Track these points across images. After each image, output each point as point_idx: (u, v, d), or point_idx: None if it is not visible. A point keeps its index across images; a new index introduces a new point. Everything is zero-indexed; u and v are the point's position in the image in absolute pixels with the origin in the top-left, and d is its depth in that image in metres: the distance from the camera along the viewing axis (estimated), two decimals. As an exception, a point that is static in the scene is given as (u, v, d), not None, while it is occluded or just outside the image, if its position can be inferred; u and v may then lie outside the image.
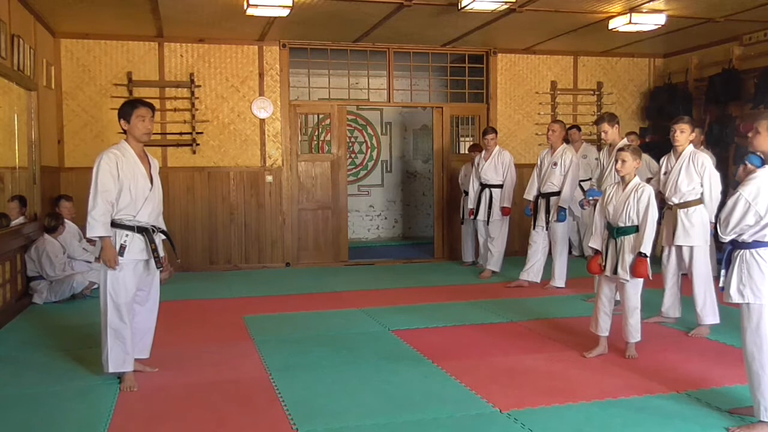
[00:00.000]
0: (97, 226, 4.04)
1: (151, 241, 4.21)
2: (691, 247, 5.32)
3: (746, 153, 3.53)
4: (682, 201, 5.33)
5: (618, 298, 4.83)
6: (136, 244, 4.18)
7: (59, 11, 7.27)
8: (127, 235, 4.14)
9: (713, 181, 5.26)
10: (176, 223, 8.41)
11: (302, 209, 9.11)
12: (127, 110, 4.20)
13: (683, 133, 5.33)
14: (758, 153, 3.41)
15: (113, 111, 8.41)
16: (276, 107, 8.88)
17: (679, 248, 5.42)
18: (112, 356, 4.16)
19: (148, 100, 4.42)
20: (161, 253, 4.30)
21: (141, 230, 4.19)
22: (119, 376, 4.24)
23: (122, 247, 4.12)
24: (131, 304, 4.25)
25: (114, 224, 4.11)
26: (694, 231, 5.30)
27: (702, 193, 5.29)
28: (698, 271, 5.33)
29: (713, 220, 5.32)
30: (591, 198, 6.04)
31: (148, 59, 8.48)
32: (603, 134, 6.12)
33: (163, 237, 4.41)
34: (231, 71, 8.75)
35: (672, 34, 8.46)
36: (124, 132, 4.23)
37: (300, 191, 9.09)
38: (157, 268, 4.30)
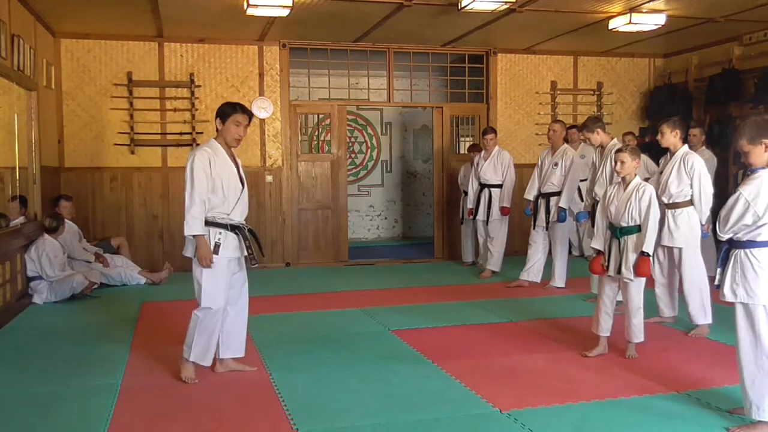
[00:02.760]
0: (196, 224, 4.05)
1: (245, 238, 4.27)
2: (680, 249, 5.33)
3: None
4: (670, 202, 5.34)
5: (620, 298, 4.83)
6: (229, 242, 4.20)
7: (59, 11, 7.27)
8: (220, 233, 4.16)
9: (704, 182, 5.25)
10: (176, 222, 8.40)
11: (302, 209, 9.11)
12: (226, 111, 4.24)
13: (663, 135, 5.38)
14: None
15: (113, 111, 8.50)
16: (276, 107, 8.89)
17: (669, 249, 5.43)
18: (197, 349, 4.20)
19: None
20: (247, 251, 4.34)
21: (233, 228, 4.23)
22: (184, 361, 4.24)
23: (217, 246, 4.13)
24: (225, 303, 4.28)
25: (207, 222, 4.13)
26: (679, 233, 5.31)
27: (692, 195, 5.29)
28: (687, 272, 5.33)
29: (704, 222, 5.33)
30: (582, 221, 6.64)
31: (148, 59, 8.48)
32: (587, 140, 6.20)
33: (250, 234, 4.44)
34: (231, 71, 8.75)
35: (672, 34, 8.46)
36: (217, 131, 4.27)
37: (300, 191, 9.09)
38: (252, 264, 4.33)
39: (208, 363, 4.30)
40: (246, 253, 4.30)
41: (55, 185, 7.97)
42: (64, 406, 3.89)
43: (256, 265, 4.38)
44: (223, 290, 4.22)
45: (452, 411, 3.73)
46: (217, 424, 3.58)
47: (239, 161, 4.41)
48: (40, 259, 6.65)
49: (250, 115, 4.31)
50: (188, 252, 4.22)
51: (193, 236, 4.10)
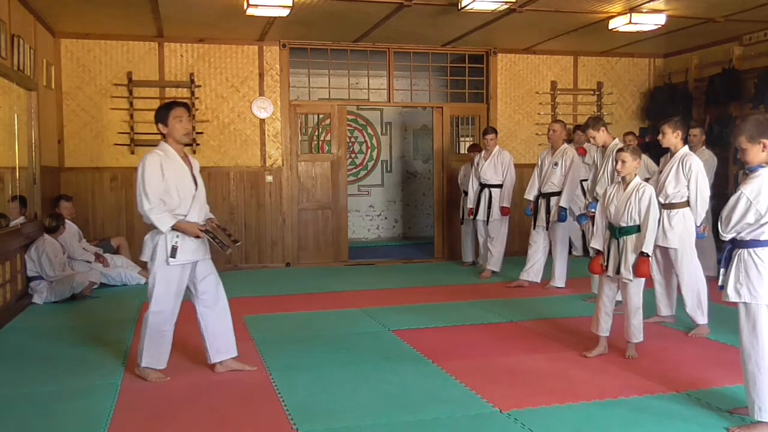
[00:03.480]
0: (165, 219, 4.06)
1: (207, 232, 4.23)
2: (675, 249, 5.33)
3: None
4: (666, 202, 5.34)
5: (619, 298, 4.83)
6: (187, 245, 4.17)
7: (59, 11, 7.27)
8: (178, 236, 4.13)
9: (701, 185, 5.25)
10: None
11: (302, 209, 9.11)
12: (163, 113, 4.21)
13: (664, 136, 5.38)
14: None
15: (113, 111, 8.50)
16: (276, 107, 8.89)
17: (665, 249, 5.43)
18: (147, 353, 4.22)
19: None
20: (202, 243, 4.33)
21: None
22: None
23: (174, 249, 4.11)
24: (177, 308, 4.27)
25: None
26: (673, 233, 5.31)
27: (688, 197, 5.30)
28: (683, 273, 5.33)
29: (698, 224, 5.34)
30: (584, 223, 6.49)
31: (148, 59, 8.48)
32: (591, 139, 6.19)
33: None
34: (231, 71, 8.75)
35: (672, 34, 8.46)
36: (163, 135, 4.24)
37: (300, 191, 9.09)
38: (224, 249, 4.30)
39: (162, 366, 4.28)
40: (218, 244, 4.25)
41: (55, 185, 7.97)
42: (64, 406, 3.89)
43: (230, 251, 4.38)
44: (173, 295, 4.21)
45: (452, 411, 3.73)
46: (217, 424, 3.58)
47: (195, 162, 4.40)
48: (40, 259, 6.65)
49: (187, 107, 4.31)
50: (145, 255, 4.22)
51: (172, 228, 4.10)
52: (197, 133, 8.53)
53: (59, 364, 4.67)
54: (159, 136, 4.30)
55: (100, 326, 5.75)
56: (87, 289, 6.92)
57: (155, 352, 4.24)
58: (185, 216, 4.17)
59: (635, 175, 4.69)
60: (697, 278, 5.32)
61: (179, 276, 4.20)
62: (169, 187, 4.12)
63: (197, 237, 4.14)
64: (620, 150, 4.72)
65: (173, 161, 4.18)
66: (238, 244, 4.38)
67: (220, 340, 4.40)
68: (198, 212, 4.26)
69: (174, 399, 3.98)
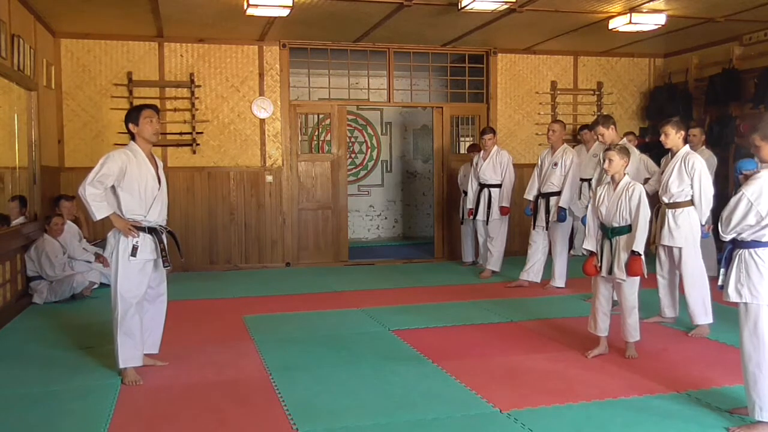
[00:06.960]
0: (100, 207, 4.14)
1: (160, 241, 4.34)
2: (679, 248, 5.33)
3: (747, 156, 3.54)
4: (671, 201, 5.35)
5: (616, 297, 4.83)
6: (147, 244, 4.30)
7: (59, 11, 7.27)
8: (138, 236, 4.25)
9: (704, 183, 5.26)
10: (176, 223, 8.40)
11: (302, 209, 9.12)
12: (134, 114, 4.34)
13: (667, 136, 5.38)
14: (755, 159, 3.43)
15: (113, 111, 8.50)
16: (276, 107, 8.89)
17: (669, 248, 5.44)
18: (122, 352, 4.25)
19: (150, 102, 4.61)
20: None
21: (150, 230, 4.31)
22: (119, 372, 4.31)
23: (135, 248, 4.23)
24: (142, 302, 4.36)
25: None
26: (679, 232, 5.32)
27: (692, 195, 5.30)
28: (687, 272, 5.34)
29: (703, 223, 5.34)
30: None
31: (148, 59, 8.48)
32: (600, 137, 6.19)
33: (169, 236, 4.54)
34: (231, 71, 8.75)
35: (672, 34, 8.47)
36: (133, 137, 4.35)
37: (300, 191, 9.09)
38: (164, 266, 4.41)
39: (139, 363, 4.31)
40: (161, 255, 4.36)
41: (55, 185, 7.97)
42: (64, 406, 3.89)
43: (169, 267, 4.47)
44: (135, 289, 4.29)
45: (452, 411, 3.73)
46: (217, 424, 3.58)
47: (160, 162, 4.52)
48: (40, 259, 6.65)
49: (156, 109, 4.43)
50: (107, 252, 4.33)
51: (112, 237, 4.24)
52: (197, 133, 8.54)
53: (59, 364, 4.67)
54: (158, 136, 4.38)
55: (100, 326, 5.74)
56: (87, 289, 6.92)
57: (132, 348, 4.26)
58: (145, 216, 4.29)
59: (624, 174, 4.68)
60: (700, 277, 5.32)
61: (139, 272, 4.30)
62: (132, 188, 4.23)
63: (126, 236, 4.21)
64: (607, 149, 4.73)
65: (139, 162, 4.29)
66: (167, 267, 4.46)
67: (147, 334, 4.48)
68: (158, 213, 4.37)
69: (174, 399, 3.99)
